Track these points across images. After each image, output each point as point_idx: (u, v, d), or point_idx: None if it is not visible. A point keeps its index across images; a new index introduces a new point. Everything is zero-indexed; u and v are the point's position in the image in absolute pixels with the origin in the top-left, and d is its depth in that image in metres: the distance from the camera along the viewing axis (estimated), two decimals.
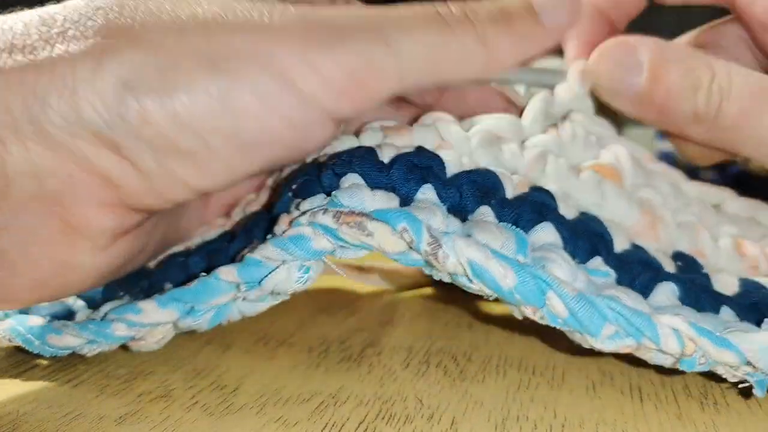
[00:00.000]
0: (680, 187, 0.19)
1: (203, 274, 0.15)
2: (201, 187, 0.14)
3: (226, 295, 0.15)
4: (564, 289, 0.13)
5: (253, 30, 0.13)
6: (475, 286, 0.13)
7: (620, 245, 0.16)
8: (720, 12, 0.23)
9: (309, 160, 0.16)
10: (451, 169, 0.15)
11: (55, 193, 0.13)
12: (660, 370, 0.17)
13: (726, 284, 0.16)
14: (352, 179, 0.14)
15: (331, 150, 0.16)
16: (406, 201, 0.15)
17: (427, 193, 0.14)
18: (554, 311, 0.13)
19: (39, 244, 0.14)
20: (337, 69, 0.14)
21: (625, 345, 0.13)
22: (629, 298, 0.14)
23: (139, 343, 0.16)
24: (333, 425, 0.14)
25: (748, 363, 0.13)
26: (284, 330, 0.19)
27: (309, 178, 0.15)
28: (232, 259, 0.15)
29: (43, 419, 0.14)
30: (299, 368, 0.17)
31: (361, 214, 0.13)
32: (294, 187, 0.15)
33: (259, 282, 0.14)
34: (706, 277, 0.16)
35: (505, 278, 0.13)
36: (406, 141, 0.16)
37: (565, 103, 0.18)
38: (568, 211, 0.16)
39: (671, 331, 0.13)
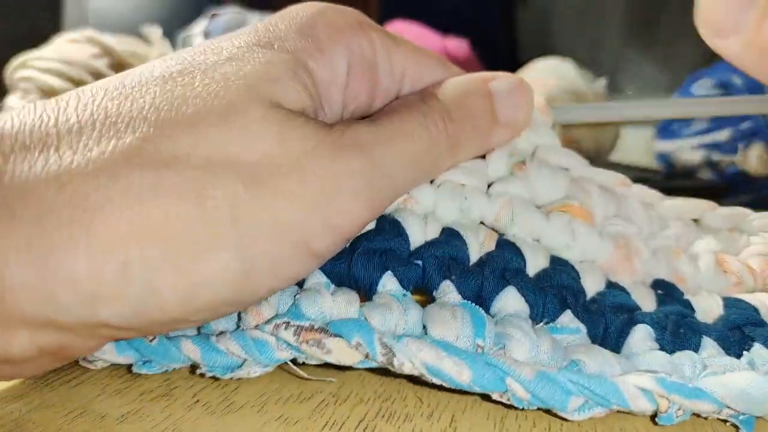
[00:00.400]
0: (657, 206, 0.19)
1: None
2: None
3: (184, 364, 0.15)
4: (521, 374, 0.13)
5: (277, 202, 0.13)
6: (437, 381, 0.14)
7: (594, 287, 0.16)
8: None
9: None
10: (416, 236, 0.16)
11: None
12: None
13: (709, 307, 0.16)
14: (315, 277, 0.15)
15: None
16: (369, 292, 0.15)
17: (387, 283, 0.15)
18: (517, 395, 0.13)
19: None
20: (349, 224, 0.14)
21: (595, 413, 0.13)
22: (595, 361, 0.14)
23: (88, 364, 0.16)
24: (333, 423, 0.14)
25: (728, 407, 0.13)
26: None
27: None
28: None
29: (44, 418, 0.14)
30: (299, 367, 0.17)
31: (320, 330, 0.14)
32: None
33: (222, 371, 0.15)
34: (688, 304, 0.16)
35: (461, 375, 0.13)
36: None
37: (531, 139, 0.18)
38: (537, 262, 0.16)
39: (639, 391, 0.13)
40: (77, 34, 0.42)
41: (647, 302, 0.16)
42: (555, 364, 0.14)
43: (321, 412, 0.14)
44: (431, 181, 0.17)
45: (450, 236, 0.15)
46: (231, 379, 0.15)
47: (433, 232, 0.16)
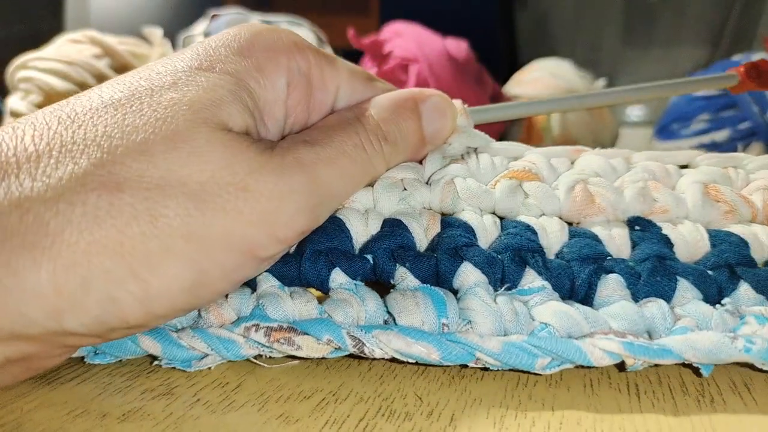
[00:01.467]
0: (629, 158, 0.18)
1: None
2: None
3: (139, 355, 0.16)
4: (487, 347, 0.14)
5: (231, 219, 0.14)
6: (412, 361, 0.15)
7: (557, 240, 0.16)
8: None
9: None
10: (359, 232, 0.16)
11: None
12: (657, 367, 0.17)
13: (693, 240, 0.15)
14: (268, 281, 0.16)
15: None
16: (322, 287, 0.16)
17: (337, 278, 0.16)
18: (488, 363, 0.14)
19: None
20: (293, 234, 0.15)
21: (563, 368, 0.14)
22: (562, 323, 0.14)
23: None
24: (333, 422, 0.14)
25: (691, 361, 0.14)
26: None
27: None
28: None
29: (45, 417, 0.14)
30: (300, 366, 0.17)
31: (289, 329, 0.15)
32: None
33: (182, 363, 0.16)
34: (666, 241, 0.15)
35: (431, 355, 0.14)
36: None
37: (462, 142, 0.18)
38: (487, 231, 0.16)
39: (604, 353, 0.14)
40: (78, 34, 0.42)
41: (620, 244, 0.15)
42: (521, 329, 0.14)
43: (321, 410, 0.14)
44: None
45: (393, 226, 0.16)
46: (190, 369, 0.16)
47: (375, 226, 0.16)
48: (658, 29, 0.80)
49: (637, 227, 0.16)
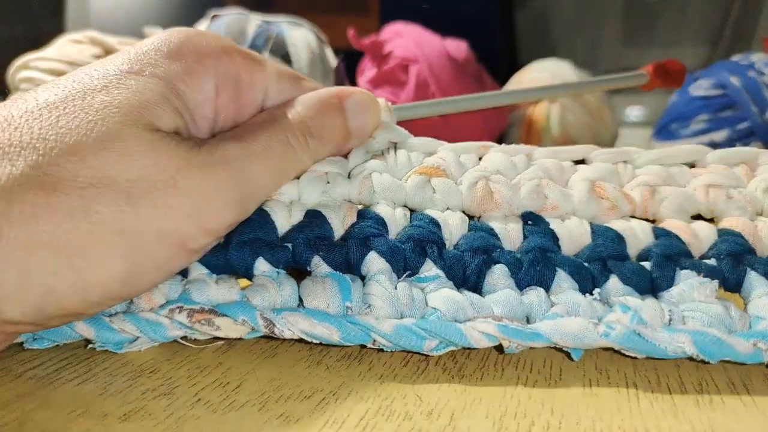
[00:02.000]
0: (531, 155, 0.19)
1: None
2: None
3: (75, 339, 0.17)
4: (380, 329, 0.15)
5: (162, 213, 0.15)
6: (317, 341, 0.16)
7: (457, 232, 0.17)
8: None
9: None
10: (282, 223, 0.17)
11: None
12: (656, 366, 0.17)
13: (577, 234, 0.17)
14: (196, 269, 0.17)
15: None
16: (247, 274, 0.17)
17: (260, 266, 0.17)
18: (382, 344, 0.16)
19: None
20: (222, 227, 0.16)
21: (449, 349, 0.16)
22: (449, 307, 0.16)
23: None
24: (334, 421, 0.14)
25: (559, 344, 0.15)
26: None
27: None
28: None
29: (46, 417, 0.14)
30: (300, 366, 0.17)
31: (210, 311, 0.16)
32: None
33: (114, 345, 0.17)
34: (552, 235, 0.17)
35: (332, 336, 0.16)
36: None
37: (385, 137, 0.20)
38: (396, 222, 0.17)
39: (482, 335, 0.15)
40: (79, 34, 0.42)
41: (513, 236, 0.17)
42: (415, 313, 0.16)
43: (321, 410, 0.14)
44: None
45: (313, 217, 0.17)
46: (122, 351, 0.17)
47: (298, 217, 0.18)
48: (657, 29, 0.80)
49: (529, 222, 0.17)
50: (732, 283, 0.16)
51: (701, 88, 0.45)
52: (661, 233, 0.17)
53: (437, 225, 0.17)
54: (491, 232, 0.17)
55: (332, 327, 0.15)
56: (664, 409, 0.15)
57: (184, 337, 0.17)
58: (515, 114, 0.47)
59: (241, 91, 0.18)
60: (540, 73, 0.48)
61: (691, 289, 0.16)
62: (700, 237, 0.17)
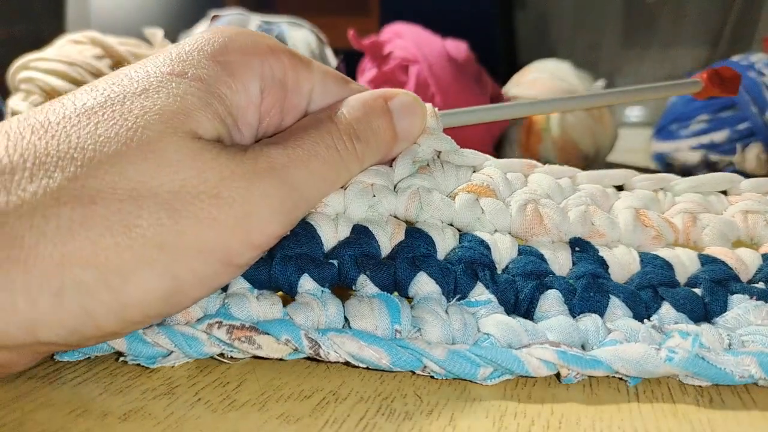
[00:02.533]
0: (574, 179, 0.19)
1: None
2: None
3: (107, 352, 0.16)
4: (434, 355, 0.15)
5: (206, 226, 0.14)
6: (363, 365, 0.15)
7: (507, 255, 0.17)
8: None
9: None
10: (328, 238, 0.17)
11: None
12: None
13: (625, 262, 0.17)
14: (239, 283, 0.16)
15: None
16: (290, 290, 0.16)
17: (305, 284, 0.16)
18: (434, 371, 0.15)
19: None
20: (267, 240, 0.15)
21: (503, 379, 0.15)
22: (503, 334, 0.15)
23: None
24: (334, 421, 0.14)
25: (620, 373, 0.15)
26: None
27: None
28: None
29: (46, 417, 0.14)
30: (300, 365, 0.17)
31: (251, 328, 0.15)
32: None
33: (146, 360, 0.16)
34: (602, 261, 0.17)
35: (381, 360, 0.15)
36: None
37: (431, 145, 0.19)
38: (445, 243, 0.17)
39: (541, 362, 0.14)
40: (79, 35, 0.42)
41: (563, 262, 0.17)
42: (467, 339, 0.15)
43: (322, 410, 0.14)
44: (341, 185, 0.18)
45: (360, 234, 0.17)
46: (154, 366, 0.16)
47: (344, 231, 0.17)
48: (657, 30, 0.80)
49: (577, 248, 0.17)
50: None
51: None
52: (707, 260, 0.17)
53: (487, 247, 0.17)
54: (541, 258, 0.17)
55: (382, 350, 0.15)
56: (664, 409, 0.15)
57: (221, 355, 0.16)
58: None
59: (286, 95, 0.17)
60: (540, 73, 0.48)
61: (746, 313, 0.16)
62: (745, 262, 0.17)
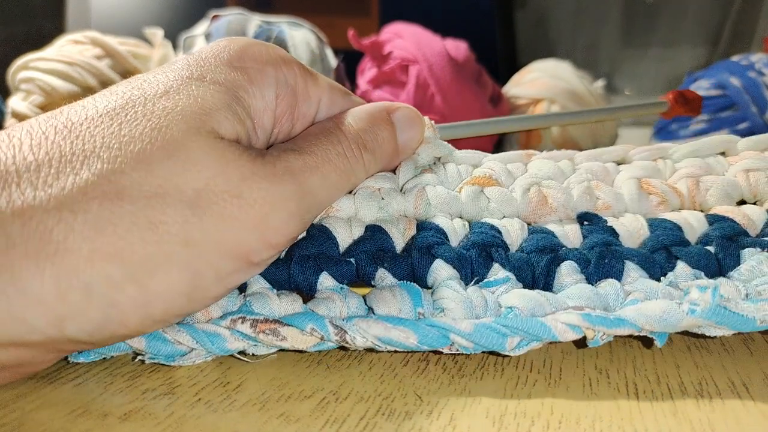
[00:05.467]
0: (573, 160, 0.20)
1: None
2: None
3: (123, 352, 0.16)
4: (460, 328, 0.15)
5: (226, 225, 0.14)
6: (391, 348, 0.15)
7: (518, 237, 0.17)
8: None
9: None
10: (344, 238, 0.17)
11: None
12: (656, 366, 0.17)
13: (634, 229, 0.17)
14: (257, 282, 0.17)
15: None
16: (309, 290, 0.17)
17: (324, 281, 0.17)
18: (462, 345, 0.15)
19: None
20: (284, 240, 0.16)
21: (533, 346, 0.15)
22: (527, 304, 0.15)
23: None
24: (334, 421, 0.14)
25: (646, 329, 0.15)
26: None
27: None
28: None
29: (47, 417, 0.14)
30: (301, 365, 0.17)
31: (274, 321, 0.15)
32: None
33: (165, 358, 0.16)
34: (612, 230, 0.17)
35: (408, 339, 0.15)
36: None
37: (430, 152, 0.20)
38: (457, 232, 0.17)
39: (567, 327, 0.15)
40: (80, 35, 0.42)
41: (573, 237, 0.17)
42: (490, 314, 0.16)
43: (322, 409, 0.14)
44: (350, 191, 0.19)
45: (374, 231, 0.17)
46: (174, 364, 0.16)
47: (358, 232, 0.17)
48: (657, 29, 0.80)
49: (586, 222, 0.17)
50: None
51: (701, 88, 0.45)
52: (714, 219, 0.17)
53: (498, 231, 0.17)
54: (552, 234, 0.17)
55: (408, 330, 0.15)
56: (664, 409, 0.15)
57: (242, 352, 0.16)
58: (516, 114, 0.47)
59: (297, 103, 0.18)
60: (539, 73, 0.48)
61: (759, 264, 0.16)
62: (752, 218, 0.17)
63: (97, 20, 0.62)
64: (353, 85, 0.45)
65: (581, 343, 0.16)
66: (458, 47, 0.44)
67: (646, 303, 0.15)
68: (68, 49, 0.40)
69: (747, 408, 0.15)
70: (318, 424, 0.14)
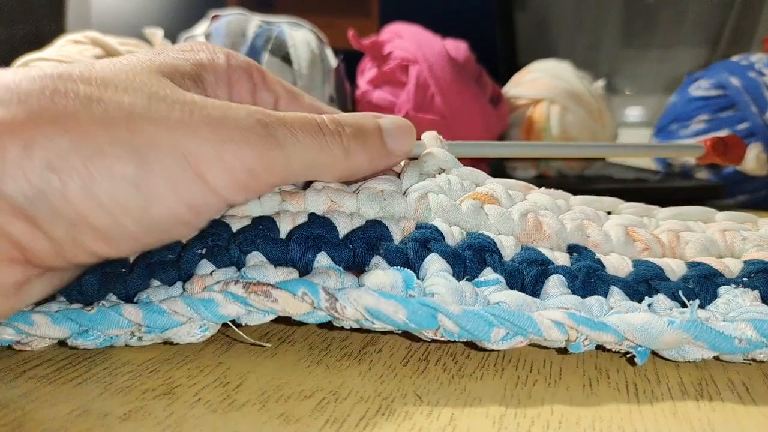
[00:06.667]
0: (567, 201, 0.21)
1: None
2: (105, 255, 0.16)
3: (123, 330, 0.16)
4: (449, 310, 0.15)
5: (174, 126, 0.15)
6: (378, 326, 0.16)
7: (510, 252, 0.18)
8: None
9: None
10: (344, 228, 0.18)
11: None
12: (656, 366, 0.17)
13: (619, 265, 0.18)
14: (256, 258, 0.17)
15: (239, 211, 0.18)
16: (306, 270, 0.17)
17: (321, 260, 0.17)
18: (448, 329, 0.15)
19: None
20: (241, 166, 0.16)
21: (516, 342, 0.16)
22: (515, 300, 0.16)
23: (24, 347, 0.17)
24: (334, 421, 0.14)
25: (627, 339, 0.15)
26: (285, 328, 0.20)
27: (218, 243, 0.17)
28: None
29: (47, 417, 0.14)
30: (300, 365, 0.17)
31: (267, 284, 0.16)
32: (204, 249, 0.17)
33: (161, 330, 0.16)
34: (599, 261, 0.18)
35: (397, 313, 0.15)
36: (299, 206, 0.19)
37: (435, 163, 0.20)
38: (454, 237, 0.18)
39: (552, 323, 0.15)
40: (80, 35, 0.42)
41: (562, 262, 0.18)
42: (479, 307, 0.16)
43: (322, 409, 0.14)
44: (353, 191, 0.19)
45: (374, 223, 0.18)
46: (164, 340, 0.16)
47: (358, 224, 0.18)
48: (657, 30, 0.80)
49: (575, 253, 0.18)
50: None
51: (701, 88, 0.45)
52: (693, 264, 0.18)
53: (494, 241, 0.18)
54: (543, 254, 0.18)
55: (398, 305, 0.15)
56: (663, 409, 0.15)
57: (234, 323, 0.16)
58: (516, 114, 0.47)
59: (256, 88, 0.19)
60: (540, 73, 0.48)
61: (735, 298, 0.17)
62: (728, 266, 0.18)
63: (97, 20, 0.62)
64: (353, 85, 0.45)
65: (564, 350, 0.16)
66: (458, 47, 0.44)
67: (630, 314, 0.16)
68: (68, 49, 0.40)
69: (747, 408, 0.15)
70: (318, 424, 0.14)
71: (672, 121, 0.47)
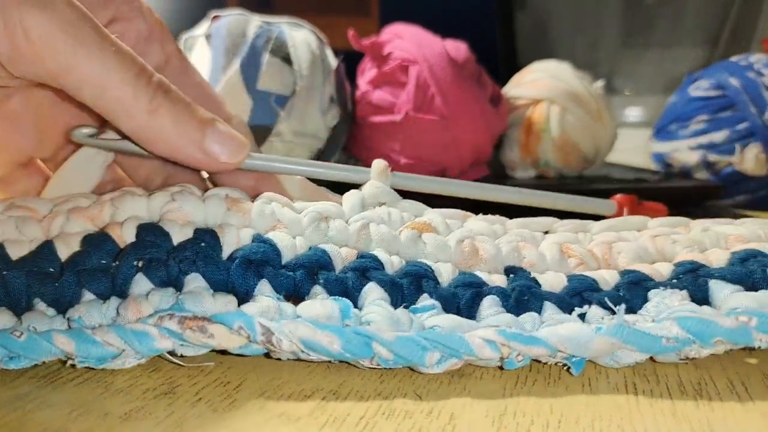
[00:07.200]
0: (504, 225, 0.21)
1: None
2: None
3: (54, 356, 0.16)
4: (383, 337, 0.15)
5: None
6: (315, 357, 0.16)
7: (448, 278, 0.18)
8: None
9: (155, 219, 0.18)
10: (286, 251, 0.18)
11: None
12: (655, 366, 0.17)
13: (554, 282, 0.18)
14: (195, 281, 0.17)
15: (180, 216, 0.18)
16: (245, 297, 0.17)
17: (262, 288, 0.17)
18: (383, 356, 0.15)
19: None
20: (30, 37, 0.16)
21: (451, 364, 0.16)
22: (449, 324, 0.16)
23: None
24: (334, 420, 0.14)
25: (559, 350, 0.16)
26: None
27: (157, 257, 0.17)
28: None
29: (47, 417, 0.14)
30: (300, 365, 0.17)
31: (203, 318, 0.15)
32: (140, 262, 0.17)
33: (96, 361, 0.16)
34: (534, 280, 0.18)
35: (332, 344, 0.15)
36: (245, 221, 0.18)
37: (375, 194, 0.21)
38: (393, 266, 0.18)
39: (484, 342, 0.15)
40: None
41: (499, 283, 0.18)
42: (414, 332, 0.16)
43: (322, 409, 0.14)
44: (299, 212, 0.19)
45: (316, 250, 0.18)
46: (104, 368, 0.16)
47: (302, 250, 0.18)
48: (656, 30, 0.80)
49: (511, 274, 0.19)
50: (698, 296, 0.17)
51: (700, 88, 0.45)
52: (625, 272, 0.19)
53: (431, 269, 0.18)
54: (478, 278, 0.18)
55: (333, 335, 0.15)
56: (663, 409, 0.15)
57: (172, 353, 0.16)
58: (515, 115, 0.47)
59: (147, 40, 0.19)
60: (539, 73, 0.48)
61: (664, 299, 0.17)
62: (659, 270, 0.19)
63: None
64: (353, 86, 0.45)
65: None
66: (458, 48, 0.44)
67: (559, 325, 0.16)
68: None
69: (746, 408, 0.15)
70: (318, 424, 0.14)
71: (671, 122, 0.47)
